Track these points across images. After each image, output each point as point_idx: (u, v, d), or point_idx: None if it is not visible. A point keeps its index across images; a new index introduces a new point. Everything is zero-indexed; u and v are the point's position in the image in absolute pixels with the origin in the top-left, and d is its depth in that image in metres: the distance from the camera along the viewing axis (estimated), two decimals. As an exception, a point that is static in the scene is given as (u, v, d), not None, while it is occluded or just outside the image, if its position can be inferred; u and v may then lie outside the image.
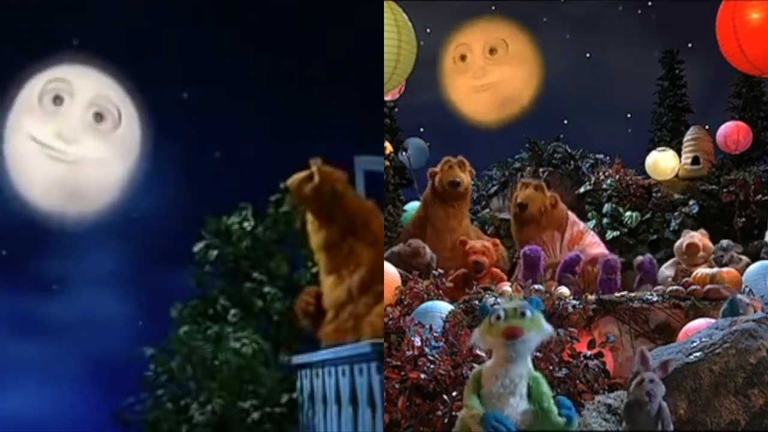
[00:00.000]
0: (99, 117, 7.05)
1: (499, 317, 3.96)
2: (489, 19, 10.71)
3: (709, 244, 7.89)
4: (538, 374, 4.03)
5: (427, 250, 7.87)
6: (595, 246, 8.55)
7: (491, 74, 10.56)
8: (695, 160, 10.64)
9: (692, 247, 7.79)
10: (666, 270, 7.91)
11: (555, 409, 3.93)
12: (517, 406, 3.92)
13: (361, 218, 5.88)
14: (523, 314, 3.94)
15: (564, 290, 6.68)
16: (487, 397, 3.94)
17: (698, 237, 7.90)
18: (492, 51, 10.48)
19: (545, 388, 3.98)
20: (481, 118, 10.56)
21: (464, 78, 10.62)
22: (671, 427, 4.32)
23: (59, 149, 6.98)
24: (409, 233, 8.68)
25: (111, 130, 7.06)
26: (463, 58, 10.61)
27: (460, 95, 10.69)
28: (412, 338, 5.30)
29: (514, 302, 4.07)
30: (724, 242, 7.93)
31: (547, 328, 3.99)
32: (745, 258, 7.67)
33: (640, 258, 7.88)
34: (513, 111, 10.69)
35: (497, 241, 8.27)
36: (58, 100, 7.08)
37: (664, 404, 4.32)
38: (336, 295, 5.74)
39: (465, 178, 8.54)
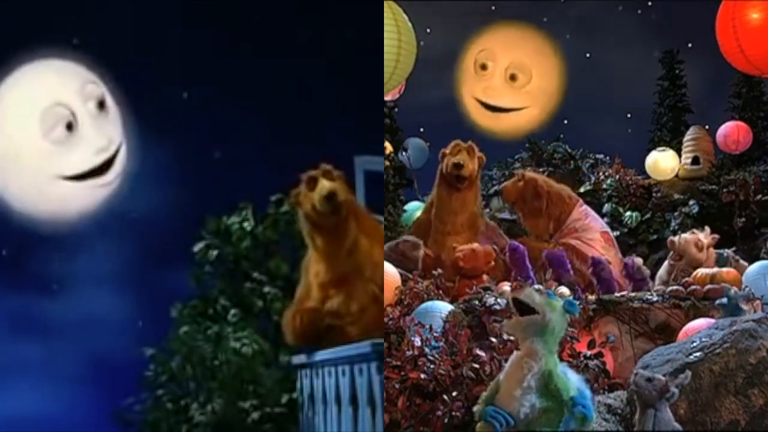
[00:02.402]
0: (100, 105, 6.95)
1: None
2: (519, 29, 10.38)
3: (701, 237, 7.80)
4: (560, 372, 4.18)
5: (422, 245, 7.86)
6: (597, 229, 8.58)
7: (505, 99, 10.31)
8: (695, 160, 10.64)
9: (672, 243, 7.76)
10: (664, 273, 7.85)
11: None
12: (520, 397, 4.07)
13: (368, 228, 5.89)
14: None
15: (564, 290, 6.68)
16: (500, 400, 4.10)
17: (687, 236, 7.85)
18: (513, 77, 10.18)
19: (563, 384, 4.14)
20: (485, 127, 10.45)
21: (478, 88, 10.41)
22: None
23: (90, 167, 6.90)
24: (419, 219, 8.75)
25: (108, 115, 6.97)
26: (483, 67, 10.35)
27: (469, 102, 10.50)
28: (412, 338, 5.30)
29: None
30: (723, 252, 7.84)
31: (562, 318, 4.20)
32: (743, 262, 7.64)
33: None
34: (516, 135, 10.57)
35: (490, 249, 8.06)
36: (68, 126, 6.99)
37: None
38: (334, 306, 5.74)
39: (470, 163, 8.43)
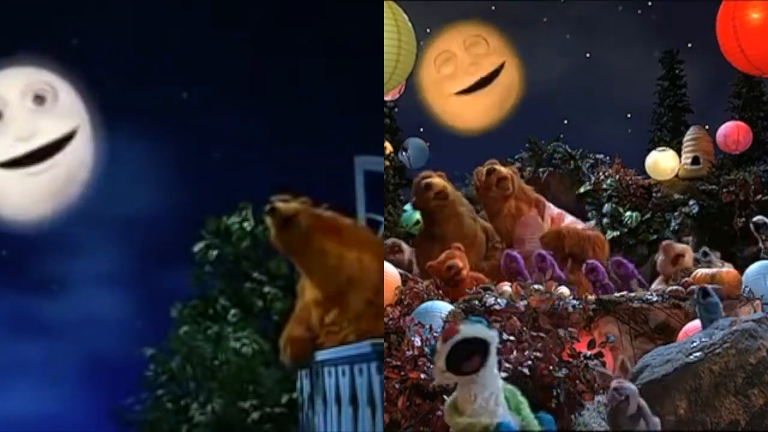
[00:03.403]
0: (39, 99, 7.00)
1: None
2: (457, 24, 10.50)
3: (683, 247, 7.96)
4: (510, 387, 4.15)
5: (406, 246, 7.86)
6: (578, 224, 8.79)
7: (482, 67, 10.38)
8: (695, 160, 10.64)
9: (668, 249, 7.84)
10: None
11: (532, 417, 4.05)
12: (506, 414, 4.01)
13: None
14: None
15: (564, 290, 6.68)
16: (476, 416, 4.01)
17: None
18: (475, 45, 10.29)
19: (520, 397, 4.11)
20: (478, 124, 10.41)
21: (454, 83, 10.40)
22: (655, 426, 4.34)
23: (24, 152, 6.95)
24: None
25: (53, 105, 7.01)
26: (446, 62, 10.41)
27: (449, 107, 10.47)
28: (412, 338, 5.30)
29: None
30: (705, 248, 7.88)
31: (492, 333, 4.06)
32: (728, 264, 7.64)
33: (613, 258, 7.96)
34: (507, 107, 10.53)
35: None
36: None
37: (644, 403, 4.36)
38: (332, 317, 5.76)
39: (439, 182, 8.58)
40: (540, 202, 8.92)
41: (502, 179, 8.69)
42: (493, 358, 4.02)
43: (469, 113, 10.11)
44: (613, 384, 4.45)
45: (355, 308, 5.64)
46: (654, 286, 7.57)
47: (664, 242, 8.17)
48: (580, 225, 8.75)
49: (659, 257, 7.92)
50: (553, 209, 8.91)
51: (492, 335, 4.04)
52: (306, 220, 5.70)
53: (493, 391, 4.00)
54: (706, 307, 5.45)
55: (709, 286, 5.74)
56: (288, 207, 5.67)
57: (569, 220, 8.76)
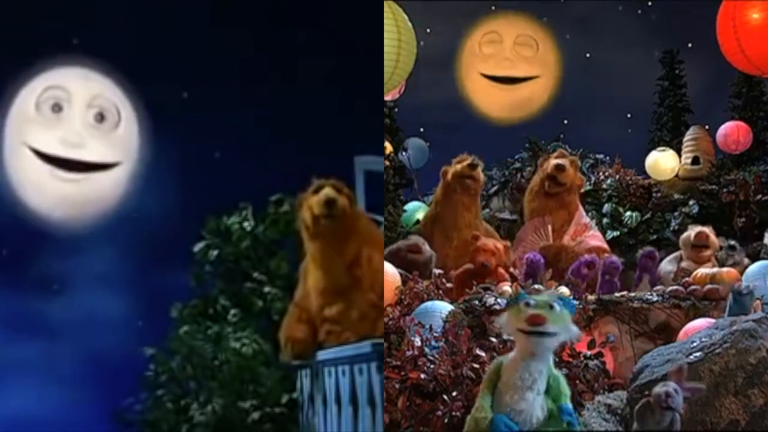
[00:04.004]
0: (100, 117, 7.06)
1: (528, 304, 4.08)
2: (519, 14, 10.49)
3: (715, 240, 7.88)
4: (559, 373, 4.14)
5: (426, 247, 7.81)
6: (595, 239, 8.54)
7: (519, 69, 10.29)
8: (695, 160, 10.64)
9: (701, 236, 7.74)
10: (667, 265, 7.89)
11: (564, 410, 4.03)
12: (533, 401, 4.01)
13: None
14: (551, 307, 4.06)
15: (564, 290, 6.67)
16: (504, 389, 4.04)
17: (707, 229, 7.90)
18: (523, 47, 10.23)
19: (564, 388, 4.10)
20: (492, 115, 10.39)
21: (486, 65, 10.30)
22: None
23: (63, 155, 7.00)
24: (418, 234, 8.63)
25: (111, 131, 7.07)
26: (491, 44, 10.31)
27: (476, 87, 10.40)
28: (412, 338, 5.30)
29: (546, 295, 4.21)
30: (732, 242, 7.90)
31: (574, 329, 4.13)
32: (747, 260, 7.65)
33: (641, 251, 7.87)
34: (524, 115, 10.55)
35: (508, 243, 8.07)
36: (56, 107, 7.09)
37: (678, 418, 4.28)
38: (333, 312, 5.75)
39: (479, 168, 8.56)
40: (574, 211, 8.66)
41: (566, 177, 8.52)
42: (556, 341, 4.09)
43: (486, 97, 10.15)
44: (671, 386, 4.23)
45: (359, 308, 5.63)
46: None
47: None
48: (597, 241, 8.45)
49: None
50: (582, 218, 8.66)
51: (573, 331, 4.12)
52: (345, 205, 5.70)
53: (533, 374, 4.02)
54: (741, 303, 5.54)
55: (742, 286, 5.77)
56: (343, 200, 5.67)
57: (590, 233, 8.51)
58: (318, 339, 5.82)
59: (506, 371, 4.09)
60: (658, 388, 4.22)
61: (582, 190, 8.92)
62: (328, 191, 5.65)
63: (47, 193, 7.07)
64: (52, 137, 7.02)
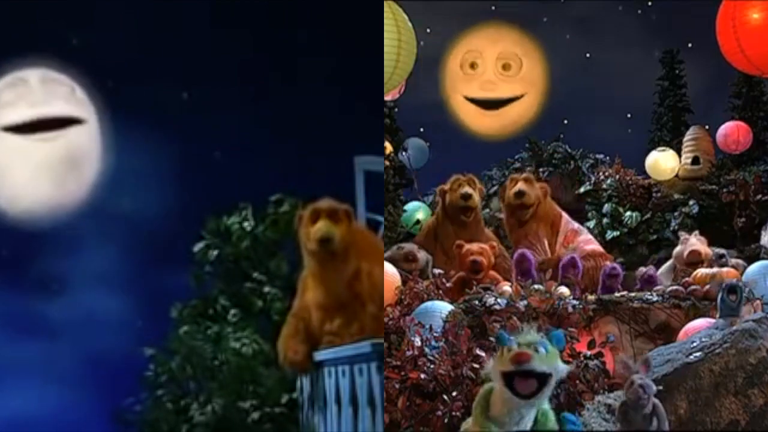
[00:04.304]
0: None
1: (511, 349, 3.93)
2: (499, 26, 10.36)
3: (708, 250, 7.82)
4: (547, 409, 4.05)
5: (422, 254, 7.72)
6: (589, 243, 8.47)
7: (501, 90, 10.16)
8: (695, 160, 10.64)
9: (694, 255, 7.71)
10: (663, 278, 7.80)
11: None
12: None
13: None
14: (536, 350, 3.90)
15: (564, 290, 6.67)
16: (492, 418, 3.97)
17: (699, 244, 7.81)
18: (505, 67, 10.10)
19: (553, 424, 4.03)
20: (480, 132, 10.37)
21: (469, 88, 10.24)
22: (666, 426, 4.31)
23: (28, 119, 7.04)
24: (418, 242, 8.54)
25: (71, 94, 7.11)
26: (472, 66, 10.19)
27: (462, 110, 10.36)
28: (412, 338, 5.30)
29: (530, 336, 4.00)
30: (721, 251, 7.83)
31: (561, 367, 3.97)
32: (741, 262, 7.62)
33: (642, 269, 7.78)
34: (513, 131, 10.50)
35: (494, 243, 8.06)
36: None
37: (659, 403, 4.32)
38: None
39: (475, 194, 8.40)
40: (558, 220, 8.55)
41: (525, 206, 8.37)
42: (548, 390, 3.93)
43: (473, 120, 10.07)
44: (637, 379, 4.31)
45: (360, 321, 5.62)
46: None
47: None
48: (591, 245, 8.38)
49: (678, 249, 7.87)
50: (568, 225, 8.55)
51: (561, 369, 3.95)
52: (347, 241, 5.64)
53: (522, 412, 3.92)
54: (730, 305, 5.46)
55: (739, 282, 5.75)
56: (341, 236, 5.58)
57: (581, 238, 8.46)
58: (306, 364, 5.83)
59: (494, 403, 4.00)
60: (630, 388, 4.29)
61: (548, 197, 8.70)
62: (322, 227, 5.54)
63: (26, 166, 7.07)
64: (21, 112, 7.04)
